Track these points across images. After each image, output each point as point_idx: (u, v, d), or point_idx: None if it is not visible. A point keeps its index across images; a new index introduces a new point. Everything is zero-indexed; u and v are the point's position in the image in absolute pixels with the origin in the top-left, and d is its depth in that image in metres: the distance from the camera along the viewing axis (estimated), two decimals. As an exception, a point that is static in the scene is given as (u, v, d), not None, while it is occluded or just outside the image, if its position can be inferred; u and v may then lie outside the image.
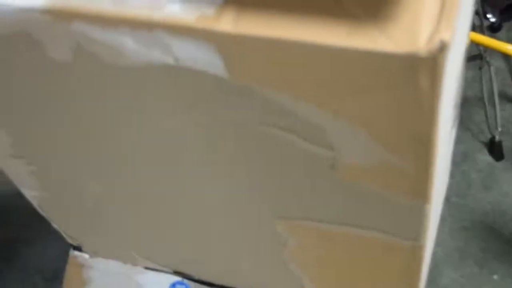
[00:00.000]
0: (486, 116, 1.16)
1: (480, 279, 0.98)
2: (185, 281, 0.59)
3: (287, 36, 0.25)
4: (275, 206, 0.43)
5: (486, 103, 1.16)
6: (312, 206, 0.41)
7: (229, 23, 0.26)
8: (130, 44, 0.29)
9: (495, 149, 1.13)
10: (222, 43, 0.27)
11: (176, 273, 0.61)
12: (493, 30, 1.08)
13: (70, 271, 0.62)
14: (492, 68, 1.13)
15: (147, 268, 0.60)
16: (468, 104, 1.22)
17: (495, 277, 0.98)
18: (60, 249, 0.91)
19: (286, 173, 0.38)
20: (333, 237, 0.43)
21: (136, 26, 0.28)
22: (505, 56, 1.15)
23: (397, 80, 0.25)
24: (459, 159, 1.16)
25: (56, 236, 0.58)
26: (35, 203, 0.55)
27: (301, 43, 0.25)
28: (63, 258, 0.82)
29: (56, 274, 1.00)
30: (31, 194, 0.53)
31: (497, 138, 1.14)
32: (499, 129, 1.15)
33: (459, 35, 0.29)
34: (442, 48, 0.23)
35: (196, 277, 0.60)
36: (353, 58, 0.25)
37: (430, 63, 0.24)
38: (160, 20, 0.27)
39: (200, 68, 0.30)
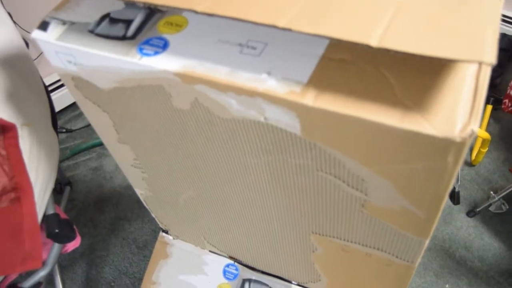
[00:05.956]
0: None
1: (436, 286, 1.33)
2: (236, 264, 0.77)
3: (352, 113, 0.31)
4: (313, 224, 0.50)
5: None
6: (341, 229, 0.48)
7: (310, 99, 0.32)
8: (234, 104, 0.36)
9: (454, 196, 1.51)
10: (302, 112, 0.33)
11: (230, 257, 0.77)
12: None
13: (158, 246, 0.81)
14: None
15: (211, 251, 0.78)
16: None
17: (447, 286, 1.33)
18: (150, 228, 1.41)
19: (328, 204, 0.44)
20: (350, 251, 0.51)
21: (241, 93, 0.34)
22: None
23: (432, 155, 0.30)
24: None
25: (149, 219, 0.75)
26: (141, 198, 0.70)
27: (364, 120, 0.31)
28: (152, 235, 1.34)
29: (146, 245, 1.39)
30: (140, 192, 0.68)
31: (456, 189, 1.51)
32: (459, 183, 1.54)
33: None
34: (471, 135, 0.28)
35: (244, 263, 0.77)
36: (402, 136, 0.30)
37: (460, 146, 0.29)
38: (261, 91, 0.33)
39: (281, 126, 0.36)
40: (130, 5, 0.43)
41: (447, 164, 0.31)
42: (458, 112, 0.30)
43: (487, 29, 0.30)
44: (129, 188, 1.51)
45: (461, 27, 0.30)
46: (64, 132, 1.78)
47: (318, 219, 0.49)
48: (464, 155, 0.31)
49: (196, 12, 0.34)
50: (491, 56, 0.28)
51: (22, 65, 0.79)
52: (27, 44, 0.81)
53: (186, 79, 0.37)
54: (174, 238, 0.81)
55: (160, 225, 0.79)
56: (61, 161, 1.67)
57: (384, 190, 0.38)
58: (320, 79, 0.34)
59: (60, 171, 1.52)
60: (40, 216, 0.76)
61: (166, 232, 0.81)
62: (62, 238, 0.83)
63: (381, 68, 0.34)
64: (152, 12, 0.42)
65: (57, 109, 1.81)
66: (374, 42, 0.29)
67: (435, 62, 0.33)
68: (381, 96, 0.32)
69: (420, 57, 0.29)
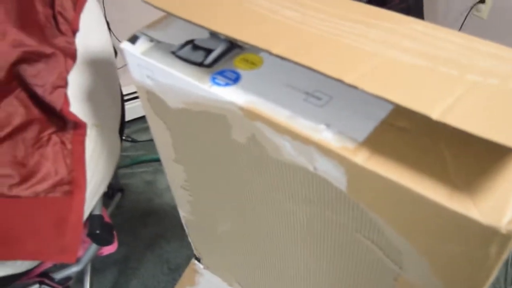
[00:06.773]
0: (506, 273, 1.36)
1: None
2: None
3: (400, 181, 0.31)
4: (342, 286, 0.49)
5: (509, 262, 1.39)
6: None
7: (361, 158, 0.33)
8: (288, 148, 0.38)
9: (506, 297, 1.36)
10: (351, 169, 0.34)
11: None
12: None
13: (187, 272, 0.82)
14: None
15: (237, 291, 0.78)
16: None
17: None
18: (186, 253, 1.41)
19: (359, 269, 0.44)
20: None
21: (297, 138, 0.36)
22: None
23: (473, 241, 0.30)
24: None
25: (187, 243, 0.76)
26: (183, 220, 0.72)
27: (410, 190, 0.31)
28: (186, 260, 1.29)
29: (177, 268, 1.41)
30: (182, 214, 0.71)
31: (506, 290, 1.38)
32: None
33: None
34: (520, 230, 0.27)
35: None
36: (447, 215, 0.30)
37: (505, 238, 0.28)
38: (315, 140, 0.35)
39: (328, 179, 0.37)
40: (214, 36, 0.45)
41: (489, 254, 0.30)
42: (510, 202, 0.29)
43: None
44: (176, 209, 1.54)
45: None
46: (129, 141, 1.86)
47: (348, 282, 0.48)
48: (509, 250, 0.30)
49: (271, 53, 0.36)
50: (554, 154, 0.27)
51: (106, 71, 0.84)
52: (115, 53, 0.87)
53: (248, 114, 0.39)
54: (204, 268, 0.82)
55: (194, 251, 0.80)
56: (119, 167, 1.74)
57: (419, 267, 0.37)
58: (376, 142, 0.34)
59: (115, 177, 1.58)
60: (86, 214, 0.79)
61: (199, 260, 0.82)
62: (101, 240, 0.86)
63: (440, 142, 0.34)
64: (233, 46, 0.44)
65: (128, 118, 1.89)
66: (435, 115, 0.29)
67: (497, 147, 0.32)
68: (433, 170, 0.32)
69: (482, 139, 0.29)
